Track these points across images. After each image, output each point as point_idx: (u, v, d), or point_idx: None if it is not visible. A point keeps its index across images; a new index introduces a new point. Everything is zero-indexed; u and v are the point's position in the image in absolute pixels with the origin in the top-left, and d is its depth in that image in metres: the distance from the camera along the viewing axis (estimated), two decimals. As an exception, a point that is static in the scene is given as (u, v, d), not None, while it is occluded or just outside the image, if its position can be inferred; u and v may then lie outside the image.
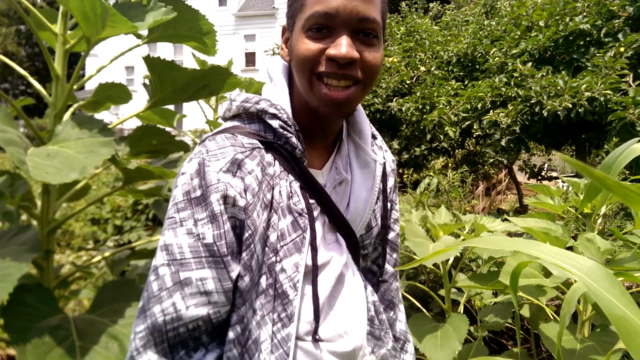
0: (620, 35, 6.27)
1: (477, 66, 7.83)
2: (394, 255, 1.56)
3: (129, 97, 2.76)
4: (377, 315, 1.40)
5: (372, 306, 1.38)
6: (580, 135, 6.88)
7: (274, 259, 1.15)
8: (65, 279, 2.52)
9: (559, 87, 5.81)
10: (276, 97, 1.27)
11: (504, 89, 6.42)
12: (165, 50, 32.20)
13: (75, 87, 2.27)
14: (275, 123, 1.21)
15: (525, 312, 2.74)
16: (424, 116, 6.79)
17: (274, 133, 1.23)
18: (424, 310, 3.23)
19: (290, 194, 1.21)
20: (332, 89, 1.16)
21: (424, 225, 3.30)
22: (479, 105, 6.49)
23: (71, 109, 2.42)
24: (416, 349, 2.54)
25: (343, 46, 1.13)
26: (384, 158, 1.45)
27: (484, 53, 7.67)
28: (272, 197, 1.18)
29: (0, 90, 2.14)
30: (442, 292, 3.15)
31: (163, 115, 3.11)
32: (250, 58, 34.23)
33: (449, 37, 8.81)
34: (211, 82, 2.54)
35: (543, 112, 5.77)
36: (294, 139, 1.21)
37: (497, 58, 7.10)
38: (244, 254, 1.10)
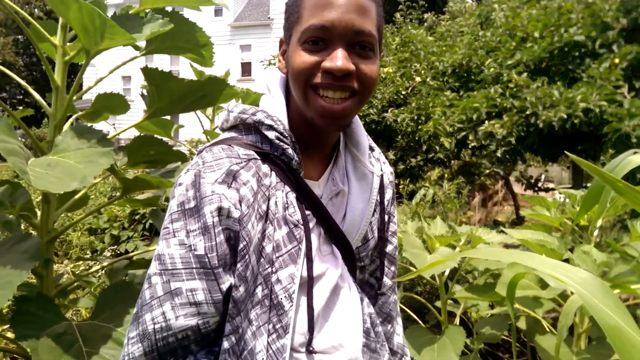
0: (615, 47, 6.28)
1: (473, 77, 7.84)
2: (392, 268, 1.56)
3: (127, 108, 2.77)
4: (373, 328, 1.40)
5: (368, 318, 1.38)
6: (576, 146, 6.89)
7: (269, 269, 1.16)
8: (64, 288, 2.52)
9: (554, 98, 5.82)
10: (273, 108, 1.28)
11: (499, 100, 6.43)
12: (161, 61, 32.21)
13: (74, 97, 2.28)
14: (271, 134, 1.21)
15: (522, 324, 2.75)
16: (420, 127, 6.81)
17: (270, 144, 1.24)
18: (420, 321, 3.24)
19: (286, 205, 1.21)
20: (329, 101, 1.17)
21: (420, 236, 3.31)
22: (475, 116, 6.49)
23: (70, 120, 2.43)
24: (413, 360, 2.55)
25: (339, 59, 1.14)
26: (381, 170, 1.45)
27: (479, 64, 7.68)
28: (268, 208, 1.19)
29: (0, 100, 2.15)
30: (438, 303, 3.15)
31: (161, 125, 3.12)
32: (246, 68, 34.21)
33: (444, 48, 8.83)
34: (209, 92, 2.55)
35: (538, 122, 5.78)
36: (290, 150, 1.22)
37: (492, 69, 7.11)
38: (238, 265, 1.11)
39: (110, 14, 1.96)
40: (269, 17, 33.68)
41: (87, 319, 2.20)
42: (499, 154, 6.19)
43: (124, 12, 2.25)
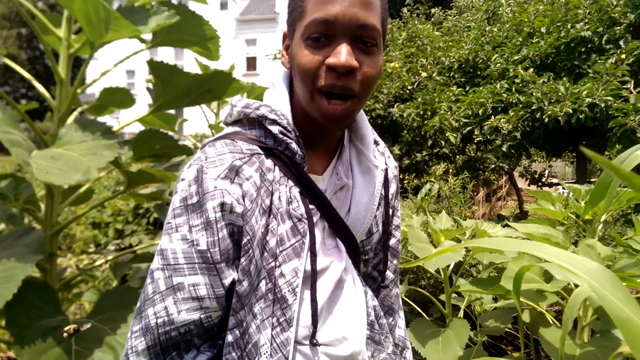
0: (621, 42, 6.26)
1: (479, 72, 7.82)
2: (395, 262, 1.56)
3: (132, 102, 2.78)
4: (377, 320, 1.40)
5: (372, 311, 1.38)
6: (581, 141, 6.88)
7: (273, 264, 1.16)
8: (68, 281, 2.53)
9: (560, 93, 5.81)
10: (277, 103, 1.28)
11: (505, 95, 6.42)
12: (166, 54, 32.21)
13: (79, 91, 2.28)
14: (275, 129, 1.21)
15: (526, 317, 2.74)
16: (425, 122, 6.79)
17: (274, 139, 1.24)
18: (425, 315, 3.24)
19: (289, 200, 1.21)
20: (331, 102, 1.17)
21: (425, 230, 3.31)
22: (480, 111, 6.48)
23: (75, 113, 2.43)
24: (418, 353, 2.55)
25: (342, 54, 1.12)
26: (385, 164, 1.45)
27: (486, 59, 7.67)
28: (272, 203, 1.19)
29: (4, 94, 2.15)
30: (442, 297, 3.15)
31: (165, 119, 3.12)
32: (251, 62, 34.26)
33: (450, 43, 8.80)
34: (214, 86, 2.55)
35: (544, 118, 5.77)
36: (293, 145, 1.21)
37: (498, 64, 7.09)
38: (242, 259, 1.11)
39: (115, 6, 1.96)
40: (275, 12, 33.68)
41: (85, 317, 2.19)
42: (504, 149, 6.18)
43: (130, 4, 2.25)
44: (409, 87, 7.70)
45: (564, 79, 6.29)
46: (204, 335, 1.12)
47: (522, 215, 10.39)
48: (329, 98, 1.16)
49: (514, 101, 6.27)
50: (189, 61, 28.01)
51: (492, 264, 3.16)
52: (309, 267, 1.20)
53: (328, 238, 1.31)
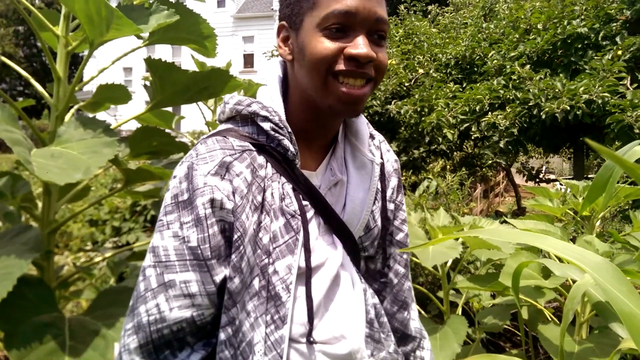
0: (618, 39, 6.29)
1: (476, 69, 7.84)
2: (404, 256, 1.55)
3: (128, 98, 2.77)
4: (377, 318, 1.39)
5: (371, 309, 1.37)
6: (578, 137, 6.89)
7: (266, 260, 1.16)
8: (65, 279, 2.52)
9: (557, 90, 5.83)
10: (269, 99, 1.27)
11: (502, 92, 6.44)
12: (163, 51, 32.17)
13: (76, 88, 2.28)
14: (266, 125, 1.21)
15: (524, 313, 2.75)
16: (423, 118, 6.79)
17: (266, 135, 1.23)
18: (422, 312, 3.24)
19: (282, 196, 1.21)
20: (349, 87, 1.17)
21: (422, 227, 3.31)
22: (477, 108, 6.50)
23: (72, 110, 2.43)
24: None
25: (364, 45, 1.13)
26: (381, 158, 1.45)
27: (482, 56, 7.68)
28: (264, 199, 1.18)
29: (1, 91, 2.14)
30: (440, 293, 3.15)
31: (162, 117, 3.11)
32: (248, 59, 34.21)
33: (447, 40, 8.82)
34: (212, 84, 2.54)
35: (541, 114, 5.78)
36: (285, 141, 1.21)
37: (495, 61, 7.11)
38: (233, 256, 1.11)
39: (113, 3, 1.95)
40: (272, 9, 33.66)
41: (81, 313, 2.19)
42: (501, 145, 6.20)
43: (129, 3, 2.25)
44: (406, 84, 7.71)
45: (561, 75, 6.32)
46: (197, 333, 1.12)
47: (520, 212, 10.41)
48: (347, 78, 1.17)
49: (511, 97, 6.29)
50: (187, 58, 28.00)
51: (490, 261, 3.17)
52: (303, 264, 1.19)
53: (324, 234, 1.30)
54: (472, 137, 6.85)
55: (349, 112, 1.23)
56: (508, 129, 6.04)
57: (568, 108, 5.54)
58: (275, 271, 1.16)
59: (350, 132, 1.39)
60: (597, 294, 1.95)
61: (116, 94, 2.73)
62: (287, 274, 1.16)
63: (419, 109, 6.97)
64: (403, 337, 1.55)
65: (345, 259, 1.33)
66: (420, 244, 2.65)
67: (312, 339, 1.19)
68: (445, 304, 2.99)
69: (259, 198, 1.18)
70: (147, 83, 2.53)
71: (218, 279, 1.11)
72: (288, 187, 1.22)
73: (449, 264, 3.01)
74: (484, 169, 10.22)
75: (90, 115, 2.65)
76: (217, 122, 1.34)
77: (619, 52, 5.99)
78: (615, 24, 6.40)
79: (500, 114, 6.15)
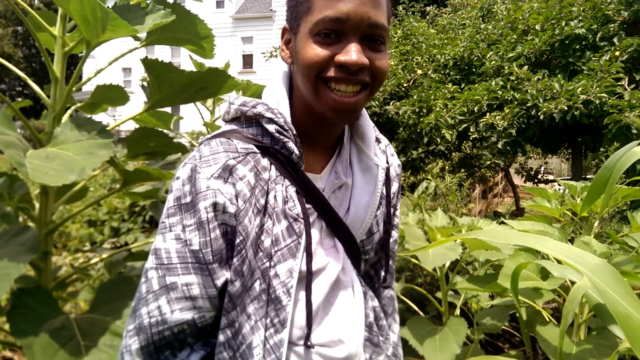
0: (615, 40, 6.29)
1: (474, 69, 7.83)
2: (390, 262, 1.54)
3: (126, 99, 2.76)
4: (376, 322, 1.38)
5: (371, 312, 1.37)
6: (576, 138, 6.89)
7: (267, 264, 1.15)
8: (63, 280, 2.52)
9: (555, 91, 5.83)
10: (274, 101, 1.26)
11: (500, 92, 6.44)
12: (162, 52, 32.15)
13: (74, 89, 2.27)
14: (271, 127, 1.19)
15: (522, 314, 2.75)
16: (421, 119, 6.79)
17: (270, 137, 1.22)
18: (421, 312, 3.24)
19: (285, 199, 1.20)
20: (340, 94, 1.15)
21: (421, 227, 3.31)
22: (476, 109, 6.49)
23: (69, 111, 2.42)
24: (416, 351, 2.55)
25: (354, 52, 1.11)
26: (387, 162, 1.43)
27: (481, 56, 7.68)
28: (267, 202, 1.17)
29: (-1, 92, 2.14)
30: (439, 294, 3.15)
31: (160, 117, 3.11)
32: (247, 60, 34.15)
33: (445, 41, 8.81)
34: (209, 84, 2.54)
35: (539, 115, 5.79)
36: (290, 144, 1.19)
37: (493, 61, 7.11)
38: (234, 259, 1.11)
39: (110, 3, 1.94)
40: (271, 9, 33.59)
41: (85, 312, 2.19)
42: (500, 146, 6.20)
43: (125, 3, 2.24)
44: (405, 85, 7.71)
45: (559, 76, 6.32)
46: (198, 334, 1.12)
47: (518, 212, 10.42)
48: (338, 85, 1.15)
49: (509, 98, 6.30)
50: (186, 59, 27.93)
51: (489, 262, 3.17)
52: (304, 268, 1.19)
53: (326, 238, 1.29)
54: (471, 138, 6.84)
55: (342, 120, 1.22)
56: (506, 130, 6.04)
57: (566, 109, 5.55)
58: (277, 274, 1.16)
59: (357, 134, 1.37)
60: (596, 295, 1.95)
61: (114, 94, 2.73)
62: (288, 277, 1.16)
63: (417, 110, 6.96)
64: None
65: (346, 262, 1.32)
66: (420, 244, 2.66)
67: (309, 343, 1.18)
68: (444, 304, 2.99)
69: (262, 201, 1.17)
70: (145, 83, 2.53)
71: (219, 282, 1.11)
72: (291, 190, 1.21)
73: (447, 265, 3.01)
74: (482, 170, 10.23)
75: (88, 116, 2.65)
76: (222, 121, 1.33)
77: (617, 53, 6.00)
78: (612, 25, 6.40)
79: (499, 115, 6.15)
